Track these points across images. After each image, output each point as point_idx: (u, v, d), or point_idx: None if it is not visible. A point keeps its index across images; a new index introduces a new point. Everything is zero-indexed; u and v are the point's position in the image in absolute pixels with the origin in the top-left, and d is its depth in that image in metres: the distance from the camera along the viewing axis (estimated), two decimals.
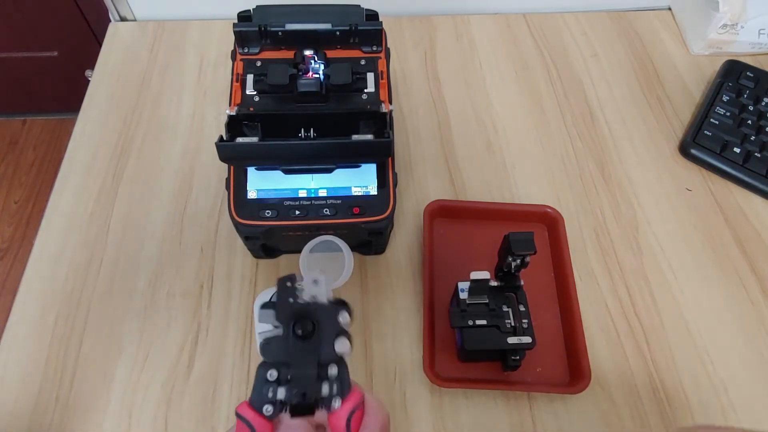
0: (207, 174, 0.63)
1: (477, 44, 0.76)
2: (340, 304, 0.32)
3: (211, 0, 0.76)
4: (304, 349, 0.31)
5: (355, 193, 0.48)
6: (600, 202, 0.62)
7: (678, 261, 0.58)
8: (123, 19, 0.78)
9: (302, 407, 0.30)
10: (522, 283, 0.49)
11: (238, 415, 0.30)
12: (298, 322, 0.31)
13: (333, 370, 0.31)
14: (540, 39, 0.77)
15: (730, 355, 0.53)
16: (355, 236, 0.51)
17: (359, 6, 0.51)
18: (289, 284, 0.33)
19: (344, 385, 0.30)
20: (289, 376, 0.30)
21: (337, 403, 0.30)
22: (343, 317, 0.32)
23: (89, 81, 0.71)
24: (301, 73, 0.48)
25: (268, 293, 0.49)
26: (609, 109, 0.70)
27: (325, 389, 0.30)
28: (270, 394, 0.30)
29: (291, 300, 0.32)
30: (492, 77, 0.73)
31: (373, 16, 0.51)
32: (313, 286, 0.33)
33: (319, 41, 0.50)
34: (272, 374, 0.30)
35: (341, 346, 0.31)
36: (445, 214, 0.59)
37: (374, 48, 0.51)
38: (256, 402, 0.30)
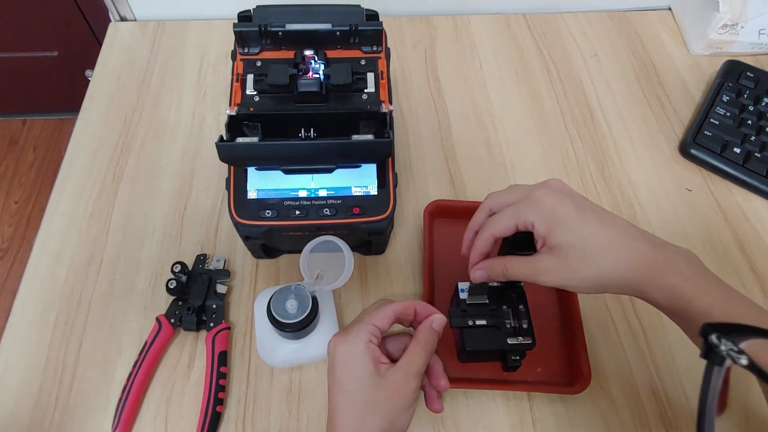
0: (207, 174, 0.63)
1: (477, 44, 0.76)
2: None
3: (211, 0, 0.76)
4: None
5: (356, 193, 0.48)
6: (600, 202, 0.62)
7: None
8: (123, 19, 0.78)
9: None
10: (522, 283, 0.49)
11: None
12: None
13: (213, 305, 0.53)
14: (540, 39, 0.77)
15: None
16: (355, 236, 0.51)
17: (359, 6, 0.51)
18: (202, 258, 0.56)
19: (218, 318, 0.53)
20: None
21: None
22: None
23: (89, 81, 0.71)
24: (301, 73, 0.48)
25: (268, 293, 0.49)
26: (609, 109, 0.70)
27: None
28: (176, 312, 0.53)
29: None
30: (492, 77, 0.73)
31: (373, 16, 0.51)
32: (315, 282, 0.44)
33: (319, 41, 0.50)
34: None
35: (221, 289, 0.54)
36: (445, 214, 0.59)
37: (374, 48, 0.51)
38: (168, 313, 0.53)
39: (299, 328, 0.44)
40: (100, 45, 0.75)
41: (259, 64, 0.50)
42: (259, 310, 0.50)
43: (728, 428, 0.49)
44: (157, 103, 0.69)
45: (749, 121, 0.65)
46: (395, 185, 0.49)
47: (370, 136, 0.46)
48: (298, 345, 0.48)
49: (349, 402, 0.39)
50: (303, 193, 0.48)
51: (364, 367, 0.39)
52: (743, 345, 0.26)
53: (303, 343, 0.47)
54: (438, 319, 0.43)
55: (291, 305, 0.44)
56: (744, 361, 0.25)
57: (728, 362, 0.25)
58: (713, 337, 0.26)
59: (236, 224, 0.48)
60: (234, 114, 0.47)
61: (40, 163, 1.59)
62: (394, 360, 0.41)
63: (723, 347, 0.25)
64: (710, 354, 0.26)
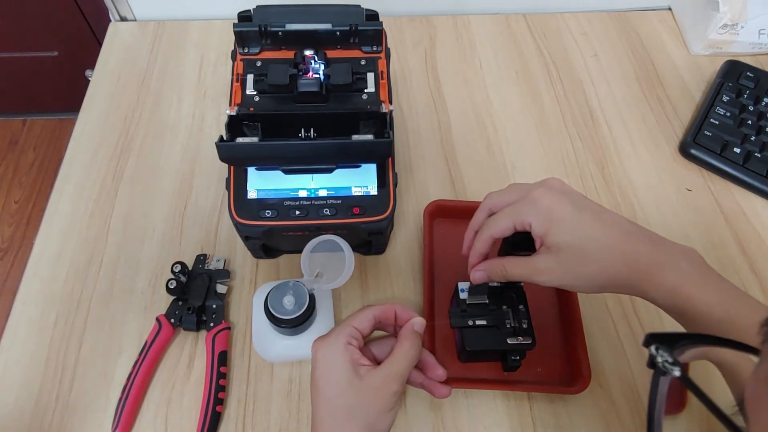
0: (207, 174, 0.63)
1: (477, 44, 0.76)
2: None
3: (211, 0, 0.76)
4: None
5: (356, 193, 0.48)
6: (600, 202, 0.62)
7: None
8: (123, 19, 0.78)
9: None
10: (522, 283, 0.49)
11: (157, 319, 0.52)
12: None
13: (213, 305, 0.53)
14: (540, 39, 0.77)
15: None
16: (355, 236, 0.51)
17: (359, 6, 0.51)
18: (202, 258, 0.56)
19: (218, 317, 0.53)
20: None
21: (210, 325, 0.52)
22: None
23: (89, 81, 0.71)
24: (301, 73, 0.48)
25: (268, 286, 0.49)
26: (609, 109, 0.70)
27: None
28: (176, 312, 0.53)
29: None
30: (492, 77, 0.73)
31: (373, 16, 0.51)
32: (314, 281, 0.44)
33: (319, 41, 0.50)
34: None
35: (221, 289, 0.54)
36: (445, 214, 0.59)
37: (374, 48, 0.51)
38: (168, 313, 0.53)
39: (295, 325, 0.44)
40: (100, 45, 0.75)
41: (259, 64, 0.50)
42: (257, 304, 0.50)
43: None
44: (157, 103, 0.69)
45: (749, 121, 0.65)
46: (395, 185, 0.49)
47: (370, 136, 0.46)
48: (293, 341, 0.48)
49: (329, 404, 0.39)
50: (303, 193, 0.48)
51: (343, 369, 0.39)
52: (687, 354, 0.26)
53: (298, 339, 0.47)
54: (418, 322, 0.43)
55: (288, 301, 0.44)
56: (677, 372, 0.25)
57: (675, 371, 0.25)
58: (652, 348, 0.26)
59: (236, 224, 0.48)
60: (234, 114, 0.47)
61: (40, 163, 1.59)
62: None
63: (659, 359, 0.25)
64: (654, 364, 0.26)
